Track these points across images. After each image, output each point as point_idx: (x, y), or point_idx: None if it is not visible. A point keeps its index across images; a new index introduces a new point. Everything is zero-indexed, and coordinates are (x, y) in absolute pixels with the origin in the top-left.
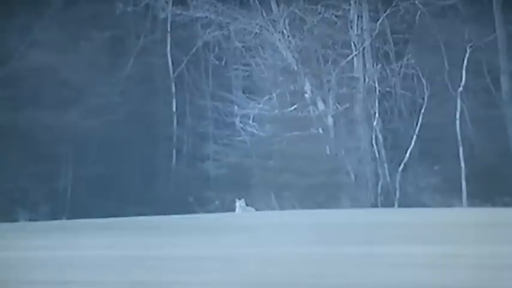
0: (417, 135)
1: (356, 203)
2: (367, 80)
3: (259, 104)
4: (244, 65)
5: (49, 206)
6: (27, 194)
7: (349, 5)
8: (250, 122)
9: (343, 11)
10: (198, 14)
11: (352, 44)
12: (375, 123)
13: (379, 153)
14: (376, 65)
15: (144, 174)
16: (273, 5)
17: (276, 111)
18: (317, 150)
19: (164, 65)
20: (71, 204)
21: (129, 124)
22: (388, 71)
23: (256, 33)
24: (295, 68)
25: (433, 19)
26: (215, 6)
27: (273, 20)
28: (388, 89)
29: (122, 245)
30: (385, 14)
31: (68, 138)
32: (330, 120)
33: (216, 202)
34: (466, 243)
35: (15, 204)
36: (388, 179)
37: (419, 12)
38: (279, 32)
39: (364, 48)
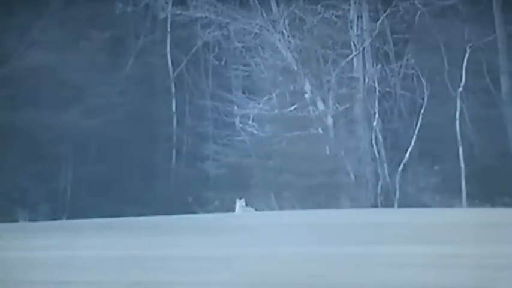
0: (417, 135)
1: (356, 203)
2: (367, 80)
3: (259, 104)
4: (244, 65)
5: (49, 206)
6: (27, 194)
7: (349, 5)
8: (250, 122)
9: (343, 11)
10: (198, 14)
11: (352, 44)
12: (374, 124)
13: (378, 153)
14: (376, 65)
15: (143, 174)
16: (273, 5)
17: (276, 111)
18: (317, 150)
19: (164, 65)
20: (71, 204)
21: (129, 124)
22: (388, 71)
23: (256, 33)
24: (295, 68)
25: (433, 19)
26: (215, 6)
27: (273, 20)
28: (388, 89)
29: (122, 245)
30: (385, 14)
31: (68, 138)
32: (329, 120)
33: (216, 202)
34: (466, 243)
35: (15, 204)
36: (388, 179)
37: (419, 12)
38: (279, 32)
39: (364, 49)
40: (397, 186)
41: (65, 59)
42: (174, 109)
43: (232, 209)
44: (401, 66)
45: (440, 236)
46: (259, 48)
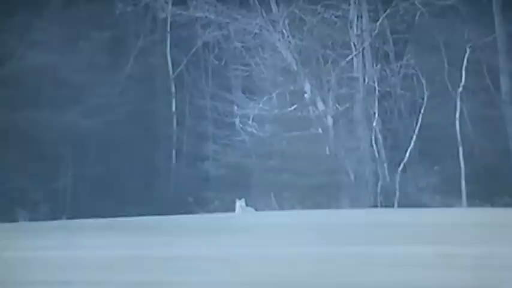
0: (417, 135)
1: (356, 203)
2: (366, 80)
3: (258, 104)
4: (244, 65)
5: (49, 206)
6: (27, 194)
7: (349, 5)
8: (250, 122)
9: (343, 11)
10: (198, 14)
11: (352, 44)
12: (374, 124)
13: (378, 154)
14: (376, 65)
15: (144, 174)
16: (273, 5)
17: (276, 111)
18: (317, 150)
19: (164, 65)
20: (71, 204)
21: (129, 124)
22: (387, 71)
23: (256, 33)
24: (295, 68)
25: (432, 19)
26: (215, 6)
27: (273, 20)
28: (387, 89)
29: (122, 245)
30: (385, 14)
31: (68, 138)
32: (329, 121)
33: (216, 202)
34: (466, 243)
35: (15, 204)
36: (388, 179)
37: (419, 12)
38: (279, 32)
39: (363, 49)
40: (397, 186)
41: (65, 59)
42: (174, 109)
43: (232, 209)
44: (401, 66)
45: (440, 236)
46: (259, 48)
